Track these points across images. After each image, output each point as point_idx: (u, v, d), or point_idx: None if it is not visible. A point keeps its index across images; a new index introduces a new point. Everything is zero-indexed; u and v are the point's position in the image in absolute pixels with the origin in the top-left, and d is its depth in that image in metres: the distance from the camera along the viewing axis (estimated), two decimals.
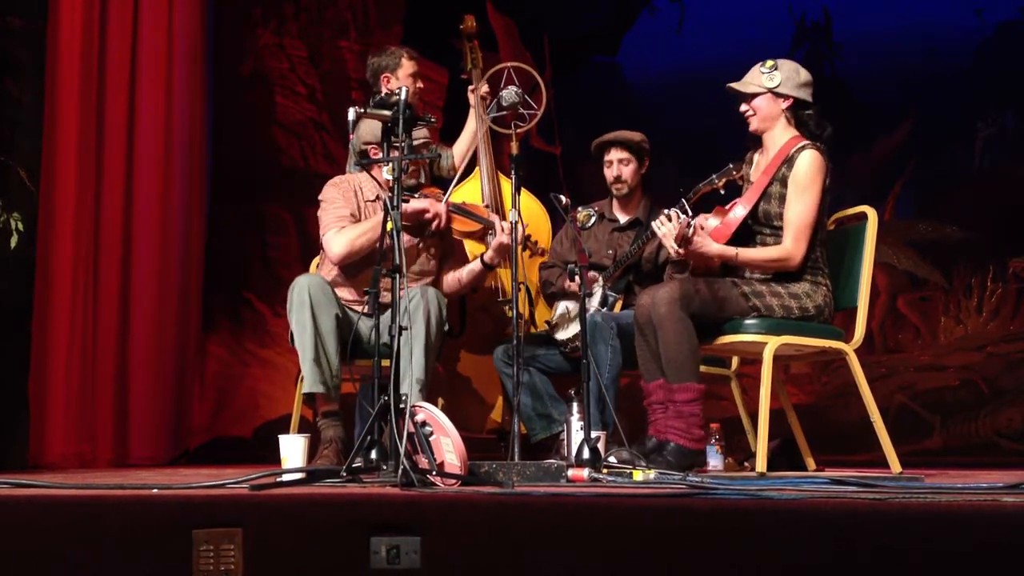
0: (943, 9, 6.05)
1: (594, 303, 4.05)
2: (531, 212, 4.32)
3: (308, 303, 3.60)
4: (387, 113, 3.21)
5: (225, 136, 6.34)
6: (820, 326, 3.50)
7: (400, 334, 2.98)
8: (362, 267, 3.81)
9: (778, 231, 3.51)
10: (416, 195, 3.91)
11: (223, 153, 6.34)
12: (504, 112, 3.52)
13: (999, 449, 5.65)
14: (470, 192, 4.37)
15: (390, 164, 3.21)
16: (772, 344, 3.41)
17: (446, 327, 3.77)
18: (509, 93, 3.50)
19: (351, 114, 3.21)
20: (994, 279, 5.90)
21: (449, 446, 2.80)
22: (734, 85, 3.58)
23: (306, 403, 3.78)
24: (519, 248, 3.54)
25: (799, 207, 3.46)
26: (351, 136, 3.88)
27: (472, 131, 4.42)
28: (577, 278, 3.39)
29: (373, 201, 3.95)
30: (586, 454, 3.04)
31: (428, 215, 3.91)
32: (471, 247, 4.28)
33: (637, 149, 4.22)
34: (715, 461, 3.68)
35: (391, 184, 3.16)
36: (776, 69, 3.53)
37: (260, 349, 6.31)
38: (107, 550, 2.22)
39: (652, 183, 4.35)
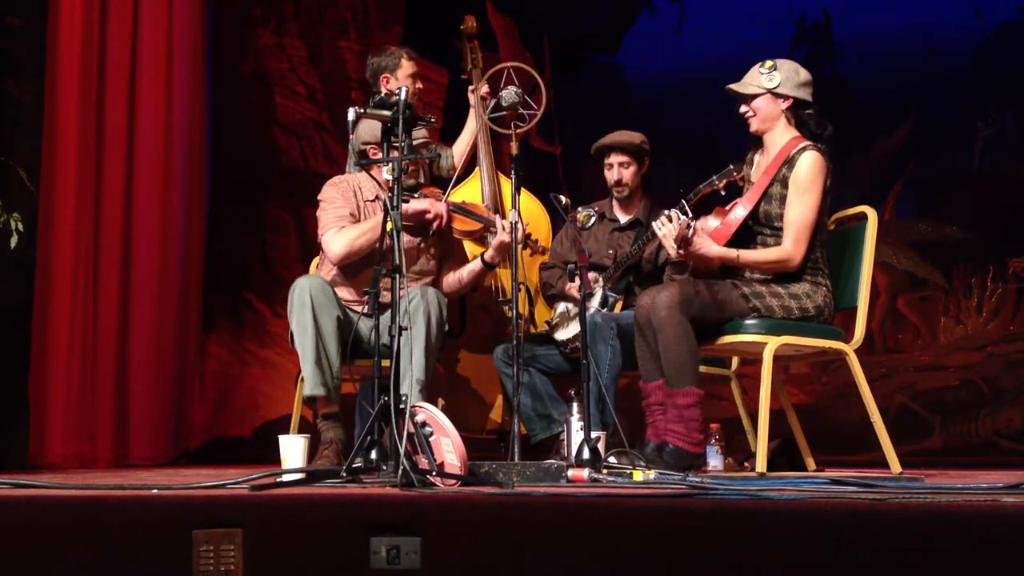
0: (943, 9, 6.05)
1: (594, 303, 4.05)
2: (531, 212, 4.32)
3: (309, 305, 3.59)
4: (387, 113, 3.21)
5: (225, 136, 6.34)
6: (820, 326, 3.50)
7: (400, 334, 2.98)
8: (362, 267, 3.80)
9: (779, 232, 3.50)
10: (416, 195, 3.91)
11: (223, 153, 6.34)
12: (504, 112, 3.52)
13: (999, 449, 5.65)
14: (470, 192, 4.37)
15: (390, 164, 3.21)
16: (772, 344, 3.41)
17: (446, 327, 3.77)
18: (509, 93, 3.49)
19: (351, 114, 3.21)
20: (994, 279, 5.89)
21: (449, 446, 2.80)
22: (733, 86, 3.56)
23: (306, 404, 3.78)
24: (519, 247, 3.54)
25: (799, 208, 3.45)
26: (351, 136, 3.89)
27: (472, 131, 4.42)
28: (577, 278, 3.39)
29: (373, 201, 3.95)
30: (586, 454, 3.04)
31: (429, 215, 3.91)
32: (471, 247, 4.29)
33: (637, 151, 4.21)
34: (715, 461, 3.68)
35: (391, 184, 3.16)
36: (775, 69, 3.52)
37: (260, 349, 6.31)
38: (107, 550, 2.22)
39: (652, 183, 4.35)
